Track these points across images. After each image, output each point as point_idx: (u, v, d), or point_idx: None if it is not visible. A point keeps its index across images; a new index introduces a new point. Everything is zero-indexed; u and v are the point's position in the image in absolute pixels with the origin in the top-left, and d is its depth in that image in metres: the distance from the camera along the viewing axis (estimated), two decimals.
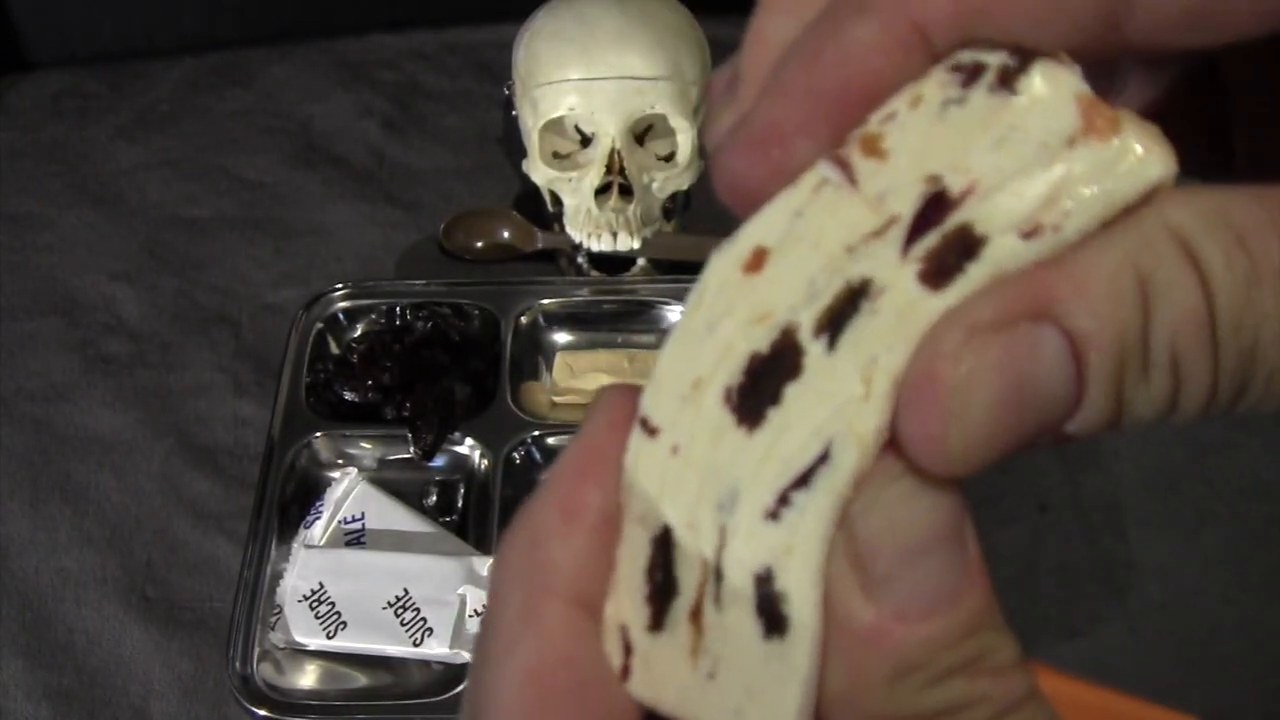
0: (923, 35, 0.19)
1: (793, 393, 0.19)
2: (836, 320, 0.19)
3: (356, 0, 1.17)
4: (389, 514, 0.75)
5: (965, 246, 0.19)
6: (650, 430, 0.21)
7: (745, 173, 0.20)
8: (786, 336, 0.19)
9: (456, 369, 0.82)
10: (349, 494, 0.75)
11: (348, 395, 0.81)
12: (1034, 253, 0.18)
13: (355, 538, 0.74)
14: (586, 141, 0.91)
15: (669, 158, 0.90)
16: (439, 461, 0.79)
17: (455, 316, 0.85)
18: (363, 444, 0.80)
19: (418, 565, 0.70)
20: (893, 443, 0.19)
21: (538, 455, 0.78)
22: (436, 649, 0.68)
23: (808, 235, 0.20)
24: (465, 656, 0.68)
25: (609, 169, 0.87)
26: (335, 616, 0.69)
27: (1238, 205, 0.18)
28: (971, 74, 0.19)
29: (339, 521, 0.74)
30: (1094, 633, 0.75)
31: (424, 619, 0.68)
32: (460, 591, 0.69)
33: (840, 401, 0.19)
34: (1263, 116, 0.24)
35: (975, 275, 0.18)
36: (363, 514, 0.74)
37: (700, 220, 0.93)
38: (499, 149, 1.04)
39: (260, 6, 1.14)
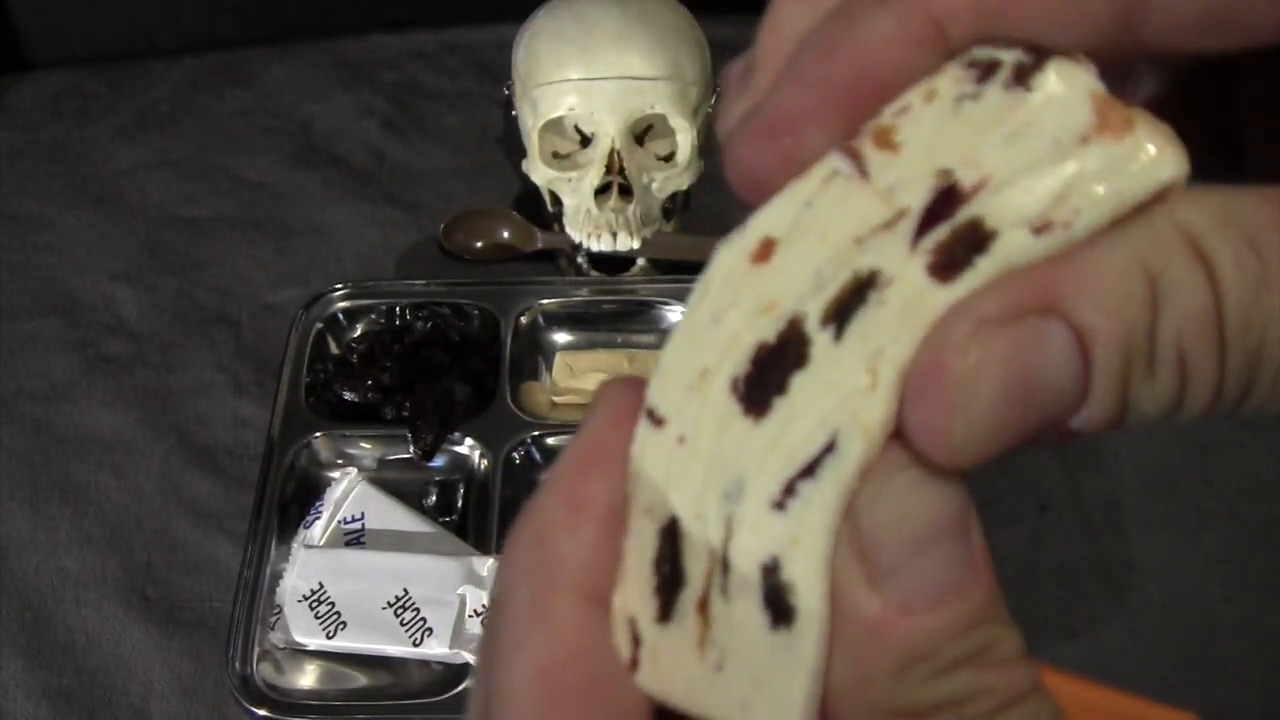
0: (939, 31, 0.20)
1: (799, 383, 0.19)
2: (843, 311, 0.19)
3: (356, 0, 1.17)
4: (389, 514, 0.75)
5: (975, 240, 0.19)
6: (657, 421, 0.21)
7: (756, 161, 0.20)
8: (793, 327, 0.19)
9: (456, 369, 0.82)
10: (349, 494, 0.75)
11: (348, 395, 0.81)
12: (1044, 249, 0.18)
13: (355, 538, 0.74)
14: (586, 141, 0.91)
15: (669, 158, 0.90)
16: (439, 461, 0.79)
17: (455, 316, 0.85)
18: (363, 444, 0.79)
19: (417, 565, 0.70)
20: (898, 434, 0.19)
21: (538, 455, 0.78)
22: (436, 649, 0.68)
23: (816, 226, 0.20)
24: (465, 657, 0.68)
25: (609, 169, 0.87)
26: (335, 616, 0.69)
27: (1249, 206, 0.18)
28: (986, 70, 0.19)
29: (339, 521, 0.74)
30: (1094, 633, 0.75)
31: (424, 619, 0.68)
32: (460, 591, 0.69)
33: (846, 392, 0.19)
34: (1277, 118, 0.24)
35: (984, 269, 0.18)
36: (362, 514, 0.74)
37: (700, 220, 0.93)
38: (499, 149, 1.04)
39: (260, 6, 1.14)
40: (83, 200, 1.00)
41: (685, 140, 0.88)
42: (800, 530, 0.19)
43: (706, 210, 0.93)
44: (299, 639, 0.68)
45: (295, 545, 0.73)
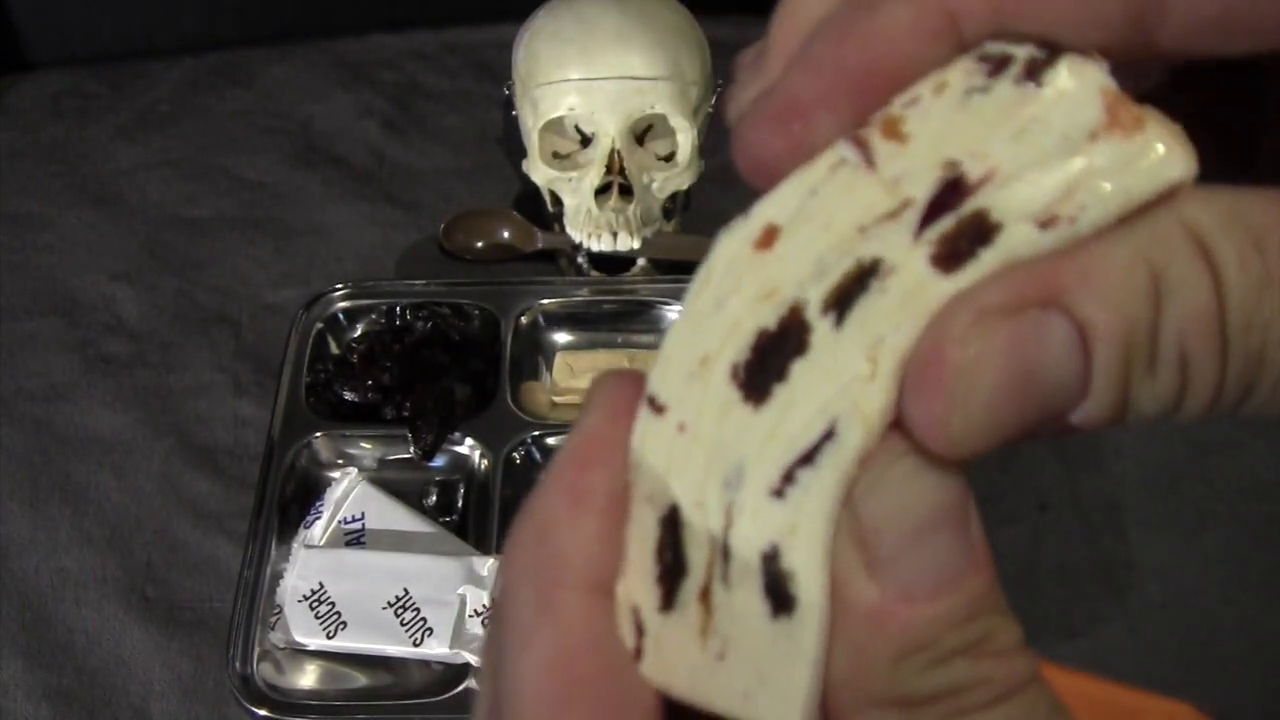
0: (954, 24, 0.20)
1: (799, 370, 0.19)
2: (844, 298, 0.19)
3: (356, 0, 1.17)
4: (389, 514, 0.74)
5: (979, 232, 0.19)
6: (657, 408, 0.21)
7: (764, 144, 0.20)
8: (794, 313, 0.19)
9: (456, 369, 0.82)
10: (349, 494, 0.75)
11: (348, 395, 0.81)
12: (1048, 243, 0.18)
13: (355, 538, 0.73)
14: (586, 141, 0.91)
15: (669, 158, 0.90)
16: (439, 461, 0.79)
17: (455, 316, 0.85)
18: (363, 444, 0.79)
19: (418, 565, 0.70)
20: (898, 423, 0.19)
21: (538, 455, 0.78)
22: (436, 649, 0.68)
23: (821, 214, 0.20)
24: (465, 657, 0.68)
25: (609, 169, 0.87)
26: (335, 616, 0.69)
27: (1257, 207, 0.18)
28: (998, 65, 0.19)
29: (339, 521, 0.74)
30: (1094, 633, 0.75)
31: (424, 619, 0.68)
32: (460, 591, 0.69)
33: (846, 380, 0.19)
34: None
35: (987, 261, 0.18)
36: (363, 514, 0.74)
37: (700, 220, 0.93)
38: (499, 149, 1.04)
39: (260, 6, 1.14)
40: (83, 200, 1.00)
41: (685, 140, 0.89)
42: (799, 518, 0.19)
43: (706, 210, 0.93)
44: (299, 639, 0.68)
45: (295, 545, 0.73)
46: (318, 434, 0.78)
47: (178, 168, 1.03)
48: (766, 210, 0.20)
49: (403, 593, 0.69)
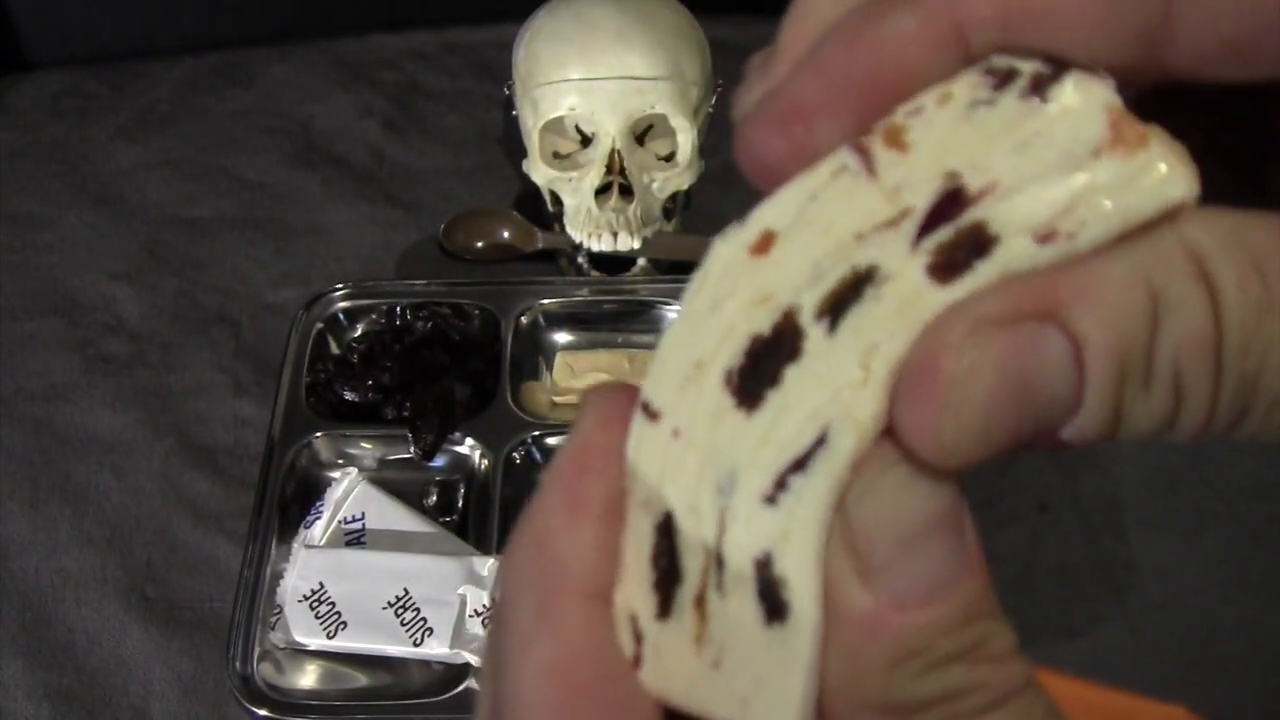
0: (961, 36, 0.19)
1: (792, 375, 0.19)
2: (839, 305, 0.19)
3: (356, 0, 1.17)
4: (389, 514, 0.75)
5: (977, 244, 0.19)
6: (652, 414, 0.21)
7: (766, 146, 0.20)
8: (788, 319, 0.19)
9: (456, 369, 0.82)
10: (349, 494, 0.75)
11: (348, 395, 0.81)
12: (1045, 258, 0.18)
13: (355, 538, 0.74)
14: (586, 141, 0.91)
15: (669, 158, 0.90)
16: (439, 461, 0.79)
17: (455, 316, 0.85)
18: (363, 444, 0.80)
19: (418, 565, 0.70)
20: (890, 430, 0.19)
21: (538, 455, 0.78)
22: (436, 649, 0.68)
23: (819, 220, 0.20)
24: (465, 657, 0.68)
25: (609, 169, 0.87)
26: (335, 616, 0.69)
27: (1259, 230, 0.18)
28: (1004, 78, 0.19)
29: (339, 521, 0.74)
30: (1094, 633, 0.75)
31: (424, 619, 0.68)
32: (460, 591, 0.69)
33: (838, 385, 0.19)
34: None
35: (984, 273, 0.18)
36: (363, 514, 0.74)
37: (700, 220, 0.93)
38: (499, 149, 1.04)
39: (260, 6, 1.14)
40: (83, 200, 1.00)
41: (686, 140, 0.88)
42: (792, 524, 0.19)
43: (707, 210, 0.93)
44: (299, 639, 0.68)
45: (295, 545, 0.73)
46: (318, 434, 0.78)
47: (178, 168, 1.03)
48: (765, 215, 0.20)
49: (403, 593, 0.69)
